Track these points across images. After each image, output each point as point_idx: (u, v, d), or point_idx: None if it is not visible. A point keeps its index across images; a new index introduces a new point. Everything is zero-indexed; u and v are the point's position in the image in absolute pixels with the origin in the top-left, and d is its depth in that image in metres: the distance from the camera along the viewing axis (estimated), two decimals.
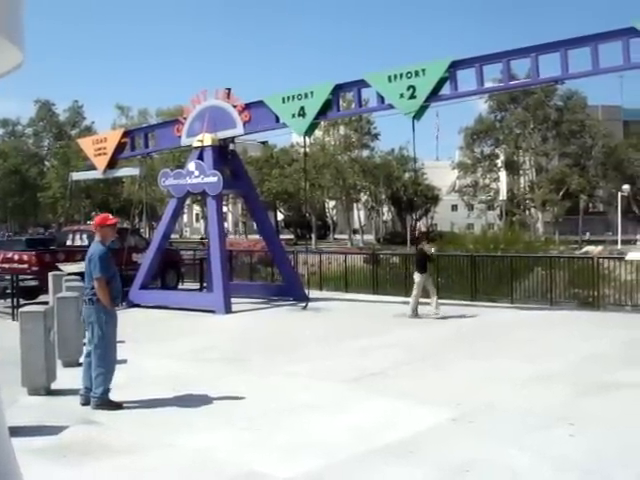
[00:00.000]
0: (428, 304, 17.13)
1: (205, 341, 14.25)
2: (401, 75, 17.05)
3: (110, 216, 10.15)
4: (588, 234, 69.73)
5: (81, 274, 16.93)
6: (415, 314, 17.08)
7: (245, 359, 12.20)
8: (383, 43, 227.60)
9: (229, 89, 20.08)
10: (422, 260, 17.57)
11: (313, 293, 20.80)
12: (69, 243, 23.18)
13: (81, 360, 9.86)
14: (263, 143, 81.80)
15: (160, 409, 8.87)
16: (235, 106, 19.68)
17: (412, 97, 16.88)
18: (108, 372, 8.97)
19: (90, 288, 9.07)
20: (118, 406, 8.87)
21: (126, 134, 23.65)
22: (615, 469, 6.54)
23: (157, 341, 14.36)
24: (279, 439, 7.57)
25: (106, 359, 8.97)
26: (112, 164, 22.98)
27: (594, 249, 44.81)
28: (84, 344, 9.68)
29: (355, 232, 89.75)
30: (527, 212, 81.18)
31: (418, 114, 17.19)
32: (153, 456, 7.12)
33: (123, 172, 25.29)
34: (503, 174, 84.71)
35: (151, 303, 19.67)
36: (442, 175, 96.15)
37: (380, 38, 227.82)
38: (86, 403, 8.99)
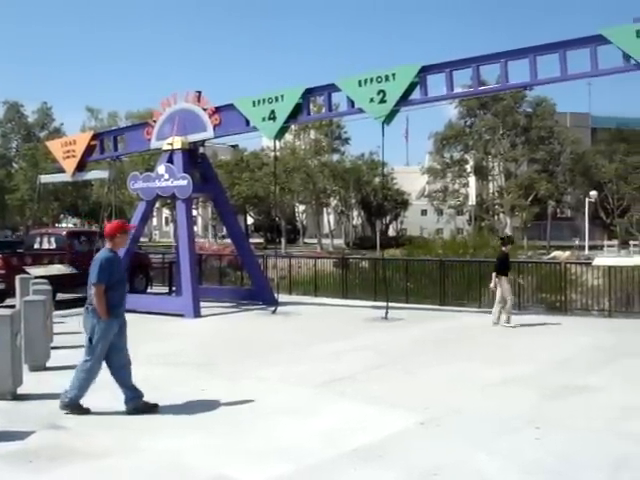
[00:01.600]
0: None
1: (174, 345, 14.17)
2: (371, 80, 17.11)
3: (126, 222, 10.02)
4: (577, 240, 69.77)
5: (50, 277, 16.84)
6: (509, 321, 16.43)
7: (214, 363, 12.14)
8: (355, 47, 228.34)
9: (199, 92, 20.03)
10: (504, 263, 16.87)
11: (283, 297, 20.79)
12: (37, 246, 22.94)
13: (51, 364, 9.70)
14: (233, 147, 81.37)
15: (129, 413, 8.81)
16: (205, 109, 19.64)
17: (382, 101, 16.95)
18: (89, 380, 8.78)
19: (90, 296, 8.79)
20: (86, 411, 8.74)
21: (95, 137, 23.52)
22: (581, 472, 6.60)
23: None
24: (248, 443, 7.55)
25: (92, 369, 8.75)
26: (81, 167, 22.83)
27: (562, 254, 45.24)
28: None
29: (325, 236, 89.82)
30: (496, 217, 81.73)
31: (388, 118, 17.25)
32: (121, 460, 7.07)
33: (92, 175, 25.07)
34: (472, 179, 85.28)
35: None
36: (412, 180, 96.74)
37: (352, 42, 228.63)
38: (132, 411, 8.82)
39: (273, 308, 19.17)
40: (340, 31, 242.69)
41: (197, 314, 18.35)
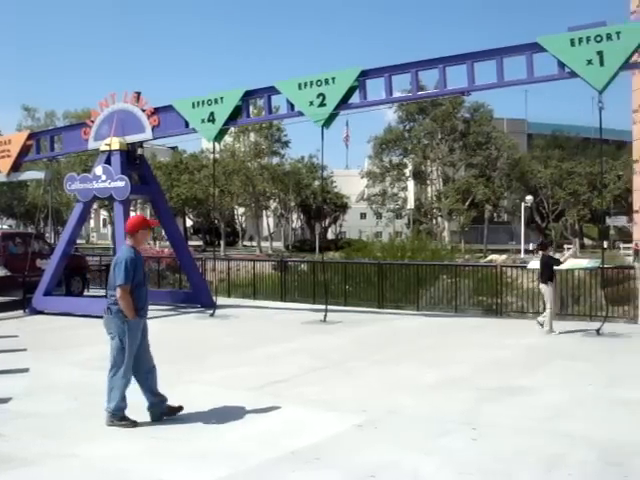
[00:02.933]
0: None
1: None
2: (311, 83, 17.18)
3: (148, 218, 9.55)
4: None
5: None
6: (551, 329, 15.80)
7: None
8: (294, 49, 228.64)
9: (139, 93, 19.86)
10: (548, 269, 16.13)
11: (221, 300, 20.69)
12: None
13: None
14: (173, 148, 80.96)
15: (64, 419, 8.68)
16: (144, 110, 19.48)
17: (322, 105, 17.03)
18: (126, 385, 8.39)
19: (115, 296, 8.42)
20: (134, 423, 8.29)
21: (31, 136, 23.19)
22: (516, 471, 6.70)
23: (61, 349, 14.04)
24: (186, 448, 7.50)
25: (127, 373, 8.39)
26: (16, 167, 22.44)
27: (498, 258, 45.87)
28: None
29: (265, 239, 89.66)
30: (434, 221, 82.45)
31: (327, 122, 17.34)
32: (57, 467, 6.96)
33: (28, 175, 24.66)
34: (411, 183, 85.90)
35: (56, 310, 19.27)
36: (351, 183, 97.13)
37: (290, 44, 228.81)
38: (158, 417, 8.52)
39: (211, 311, 19.09)
40: (283, 32, 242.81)
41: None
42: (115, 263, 8.47)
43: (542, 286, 16.21)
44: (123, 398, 8.35)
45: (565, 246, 59.94)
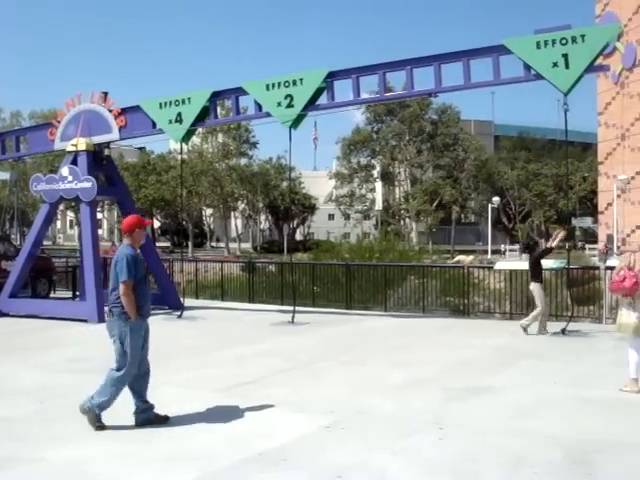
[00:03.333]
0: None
1: (77, 351, 13.91)
2: (279, 84, 17.20)
3: (143, 217, 9.53)
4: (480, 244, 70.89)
5: None
6: (545, 329, 15.82)
7: None
8: (262, 50, 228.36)
9: (106, 93, 19.74)
10: (539, 266, 16.22)
11: (189, 302, 20.62)
12: None
13: None
14: (140, 149, 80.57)
15: (30, 423, 8.60)
16: (111, 110, 19.37)
17: (289, 106, 17.06)
18: (120, 389, 8.32)
19: (117, 297, 8.33)
20: (102, 427, 8.18)
21: None
22: (481, 471, 6.76)
23: (27, 351, 13.92)
24: (153, 451, 7.47)
25: (125, 377, 8.30)
26: None
27: (465, 258, 46.13)
28: None
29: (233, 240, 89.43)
30: (402, 222, 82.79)
31: (295, 123, 17.38)
32: (23, 471, 6.89)
33: None
34: (379, 185, 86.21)
35: (22, 312, 19.10)
36: (319, 184, 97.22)
37: (259, 45, 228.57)
38: (142, 423, 8.36)
39: (179, 312, 19.02)
40: (250, 33, 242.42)
41: (101, 319, 17.98)
42: (116, 261, 8.39)
43: (533, 285, 16.14)
44: (111, 399, 8.27)
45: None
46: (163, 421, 8.49)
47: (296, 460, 7.09)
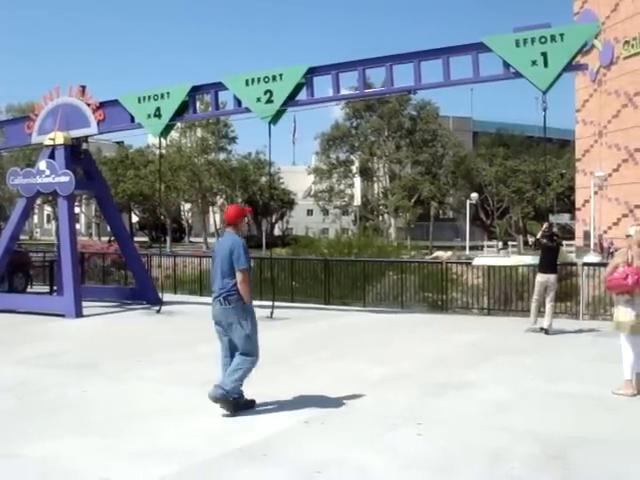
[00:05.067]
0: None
1: (54, 346, 13.82)
2: (258, 79, 17.17)
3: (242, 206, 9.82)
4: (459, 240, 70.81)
5: None
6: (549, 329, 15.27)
7: (96, 364, 11.90)
8: (245, 45, 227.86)
9: (84, 86, 19.62)
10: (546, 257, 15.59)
11: (167, 297, 20.57)
12: None
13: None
14: (118, 143, 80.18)
15: (7, 418, 8.54)
16: (89, 104, 19.25)
17: (269, 101, 17.03)
18: (246, 375, 8.61)
19: (232, 285, 8.53)
20: (251, 403, 8.73)
21: None
22: (460, 466, 6.79)
23: (2, 346, 13.79)
24: (131, 445, 7.44)
25: (255, 360, 8.66)
26: None
27: (443, 254, 46.25)
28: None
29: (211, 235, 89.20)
30: (380, 218, 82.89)
31: (274, 119, 17.37)
32: (0, 467, 6.86)
33: None
34: (358, 180, 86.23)
35: None
36: (298, 180, 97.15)
37: (242, 40, 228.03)
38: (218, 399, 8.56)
39: (157, 307, 18.96)
40: (233, 30, 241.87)
41: (79, 314, 17.96)
42: (231, 249, 8.54)
43: (554, 278, 15.56)
44: (242, 382, 8.59)
45: (509, 243, 60.72)
46: (251, 405, 8.81)
47: (275, 455, 7.09)
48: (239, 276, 8.47)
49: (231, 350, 8.76)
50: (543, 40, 14.68)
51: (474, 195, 69.48)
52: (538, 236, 16.25)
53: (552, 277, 15.49)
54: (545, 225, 16.50)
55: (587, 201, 52.72)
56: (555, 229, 16.33)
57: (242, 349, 8.60)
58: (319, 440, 7.62)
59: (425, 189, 75.50)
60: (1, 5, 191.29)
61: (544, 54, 14.66)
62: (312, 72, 17.08)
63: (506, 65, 15.35)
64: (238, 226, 8.91)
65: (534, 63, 14.77)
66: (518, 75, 15.21)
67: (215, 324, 8.91)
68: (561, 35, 14.61)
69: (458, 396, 9.60)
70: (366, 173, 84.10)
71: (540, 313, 15.68)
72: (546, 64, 14.70)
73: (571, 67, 15.53)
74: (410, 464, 6.83)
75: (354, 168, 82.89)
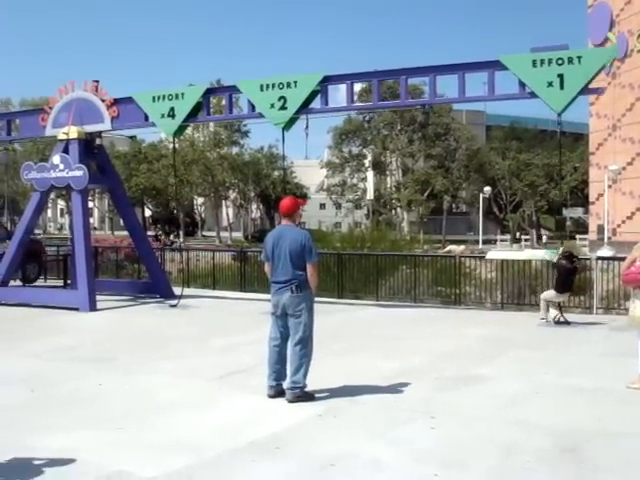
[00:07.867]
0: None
1: (68, 339, 13.89)
2: (273, 85, 17.17)
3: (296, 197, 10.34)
4: (472, 234, 70.69)
5: None
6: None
7: (110, 358, 11.96)
8: (257, 50, 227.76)
9: (97, 82, 19.65)
10: (563, 275, 15.58)
11: (180, 290, 20.61)
12: None
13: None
14: (131, 138, 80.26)
15: (20, 410, 8.59)
16: (104, 100, 19.28)
17: (283, 108, 17.02)
18: (310, 359, 8.98)
19: (304, 275, 8.84)
20: (311, 397, 8.94)
21: None
22: (473, 459, 6.79)
23: (17, 340, 13.88)
24: (145, 438, 7.48)
25: (310, 347, 8.99)
26: None
27: (456, 248, 46.17)
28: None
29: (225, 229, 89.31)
30: (393, 211, 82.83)
31: (287, 125, 17.38)
32: (14, 459, 6.88)
33: None
34: (370, 174, 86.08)
35: (12, 300, 19.06)
36: (311, 174, 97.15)
37: (254, 44, 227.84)
38: (276, 395, 8.99)
39: (171, 301, 19.03)
40: (246, 32, 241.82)
41: (93, 308, 18.02)
42: (302, 243, 8.85)
43: (567, 294, 15.97)
44: (309, 367, 8.97)
45: (522, 237, 60.34)
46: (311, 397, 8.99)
47: (288, 449, 7.11)
48: (310, 268, 8.85)
49: (283, 339, 9.15)
50: (560, 62, 14.73)
51: (487, 189, 69.23)
52: (555, 260, 16.23)
53: (567, 294, 15.98)
54: (563, 247, 16.49)
55: (601, 195, 52.43)
56: (573, 250, 16.33)
57: (302, 334, 8.88)
58: (332, 433, 7.65)
59: (438, 183, 75.35)
60: (1, 5, 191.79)
61: (560, 76, 14.72)
62: (327, 80, 17.13)
63: (522, 84, 15.44)
64: (293, 216, 9.20)
65: (550, 84, 14.82)
66: (533, 95, 15.31)
67: (275, 311, 9.16)
68: (579, 58, 14.66)
69: (471, 390, 9.60)
70: (379, 167, 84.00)
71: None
72: (562, 86, 14.75)
73: (587, 91, 15.71)
74: (423, 457, 6.84)
75: (367, 162, 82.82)
